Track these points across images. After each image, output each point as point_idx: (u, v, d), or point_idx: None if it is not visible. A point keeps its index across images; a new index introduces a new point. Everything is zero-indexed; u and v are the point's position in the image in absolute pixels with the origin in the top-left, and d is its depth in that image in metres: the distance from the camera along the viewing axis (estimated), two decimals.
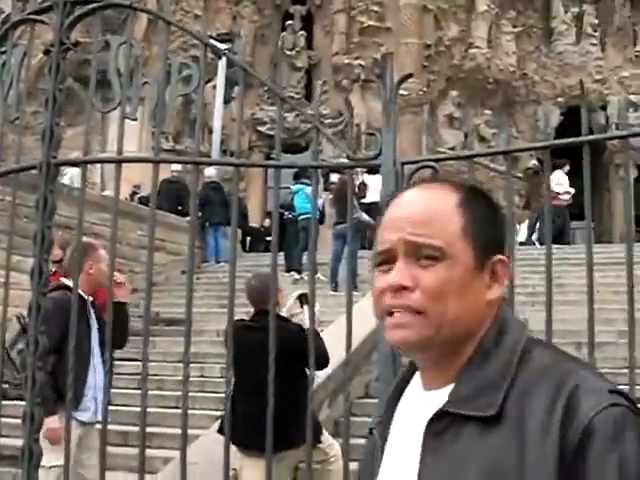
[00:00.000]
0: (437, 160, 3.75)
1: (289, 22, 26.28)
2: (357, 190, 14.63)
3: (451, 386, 1.43)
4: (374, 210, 15.85)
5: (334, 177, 15.73)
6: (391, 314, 1.43)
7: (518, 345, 1.42)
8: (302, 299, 6.27)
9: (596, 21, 27.62)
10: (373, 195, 16.70)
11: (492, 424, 1.34)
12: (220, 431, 5.73)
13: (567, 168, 19.89)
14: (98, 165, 17.68)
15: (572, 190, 19.75)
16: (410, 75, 3.97)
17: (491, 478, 1.31)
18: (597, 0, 28.06)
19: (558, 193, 18.12)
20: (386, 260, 1.46)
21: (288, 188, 15.67)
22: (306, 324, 5.90)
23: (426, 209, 1.46)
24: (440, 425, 1.39)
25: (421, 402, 1.47)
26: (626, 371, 9.16)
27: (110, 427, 3.81)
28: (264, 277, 5.85)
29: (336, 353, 5.83)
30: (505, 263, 1.48)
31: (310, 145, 23.81)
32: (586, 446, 1.26)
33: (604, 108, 25.79)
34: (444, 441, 1.38)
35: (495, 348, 1.43)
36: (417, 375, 1.54)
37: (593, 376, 1.38)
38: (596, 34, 27.50)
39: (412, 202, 1.48)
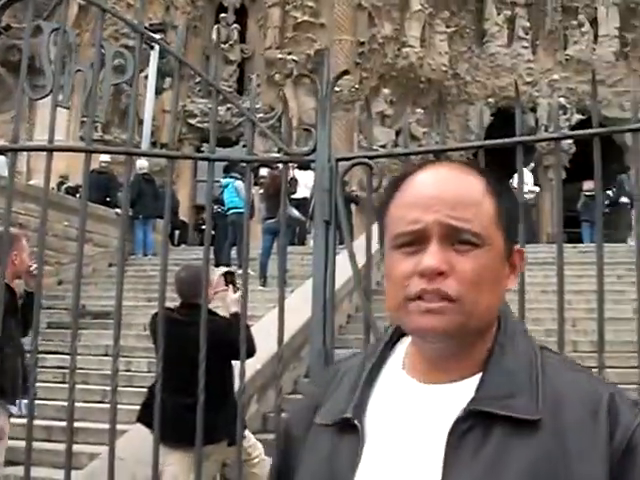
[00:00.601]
0: (371, 157, 3.75)
1: (223, 15, 26.11)
2: (288, 185, 14.59)
3: (470, 380, 1.37)
4: (304, 206, 15.86)
5: (264, 171, 15.67)
6: (419, 299, 1.34)
7: (534, 342, 1.43)
8: (227, 277, 6.20)
9: (528, 24, 28.10)
10: (303, 191, 16.70)
11: (528, 427, 1.30)
12: (139, 419, 5.67)
13: (532, 166, 20.17)
14: (25, 153, 17.37)
15: (537, 189, 20.02)
16: (346, 72, 3.97)
17: None
18: (529, 4, 28.53)
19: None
20: (413, 241, 1.36)
21: (218, 182, 15.56)
22: (228, 303, 5.89)
23: (461, 191, 1.38)
24: (466, 424, 1.31)
25: (427, 396, 1.39)
26: None
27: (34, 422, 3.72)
28: (194, 270, 5.79)
29: (266, 348, 5.81)
30: (522, 254, 1.45)
31: (240, 139, 23.76)
32: (634, 455, 1.28)
33: (534, 110, 26.22)
34: (470, 441, 1.30)
35: (511, 341, 1.40)
36: (396, 363, 1.47)
37: (615, 385, 1.39)
38: (528, 37, 27.98)
39: (444, 182, 1.39)
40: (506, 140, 3.60)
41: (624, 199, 19.06)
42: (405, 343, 1.48)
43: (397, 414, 1.39)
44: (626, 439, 1.29)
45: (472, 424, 1.31)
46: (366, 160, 3.61)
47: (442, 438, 1.32)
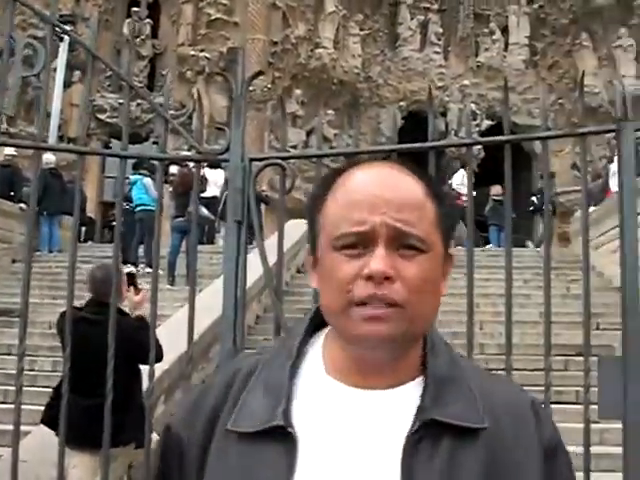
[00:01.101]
0: (285, 158, 3.74)
1: (135, 9, 25.76)
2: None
3: (408, 386, 1.37)
4: (214, 205, 15.79)
5: (173, 169, 15.53)
6: (363, 304, 1.30)
7: (451, 349, 1.45)
8: (129, 278, 6.10)
9: (440, 30, 28.55)
10: (213, 189, 16.63)
11: (473, 435, 1.32)
12: (43, 421, 5.55)
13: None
14: None
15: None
16: (261, 73, 3.96)
17: None
18: (442, 10, 28.97)
19: (460, 193, 18.57)
20: (357, 243, 1.32)
21: (127, 178, 15.37)
22: (130, 305, 5.80)
23: (406, 193, 1.35)
24: (418, 433, 1.31)
25: (366, 402, 1.35)
26: None
27: None
28: (109, 268, 5.68)
29: (173, 348, 5.75)
30: (453, 259, 1.44)
31: (151, 135, 23.50)
32: (557, 454, 1.39)
33: (444, 114, 26.60)
34: (423, 450, 1.30)
35: (438, 349, 1.42)
36: (316, 364, 1.42)
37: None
38: (440, 42, 28.41)
39: (389, 182, 1.36)
40: (419, 145, 3.64)
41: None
42: (320, 340, 1.45)
43: (332, 421, 1.34)
44: (551, 441, 1.38)
45: (423, 433, 1.31)
46: (279, 161, 3.61)
47: (394, 447, 1.30)
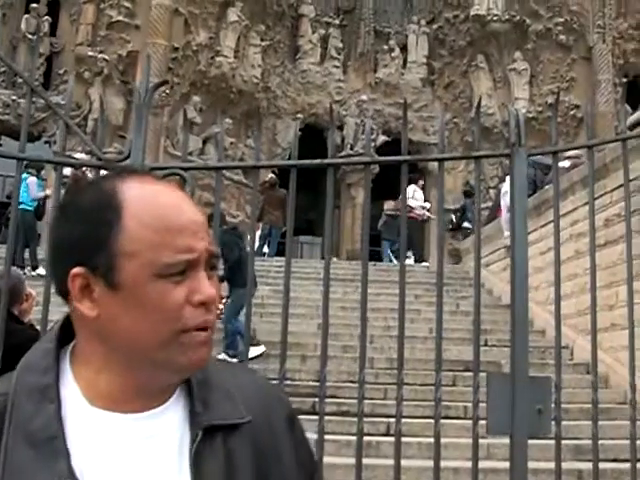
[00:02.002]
0: (186, 169, 3.74)
1: (34, 5, 25.17)
2: None
3: (171, 402, 1.36)
4: None
5: (67, 171, 15.21)
6: (193, 331, 1.30)
7: None
8: None
9: (341, 45, 28.86)
10: None
11: (240, 429, 1.37)
12: None
13: (422, 183, 20.47)
14: None
15: (427, 205, 20.30)
16: (165, 82, 3.93)
17: (259, 475, 1.37)
18: (343, 25, 29.26)
19: (412, 207, 18.63)
20: (183, 270, 1.29)
21: (13, 177, 14.98)
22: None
23: (202, 216, 1.36)
24: (202, 441, 1.33)
25: (146, 425, 1.33)
26: (350, 384, 9.53)
27: None
28: (16, 275, 5.44)
29: None
30: None
31: (43, 135, 22.99)
32: (294, 419, 1.50)
33: (341, 128, 26.82)
34: (208, 455, 1.33)
35: None
36: (75, 398, 1.32)
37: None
38: (340, 57, 28.71)
39: (189, 204, 1.35)
40: (319, 161, 3.69)
41: (466, 224, 19.81)
42: (64, 366, 1.36)
43: (117, 457, 1.29)
44: (290, 415, 1.50)
45: (204, 439, 1.33)
46: (180, 171, 3.61)
47: (182, 459, 1.32)
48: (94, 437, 1.28)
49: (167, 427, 1.33)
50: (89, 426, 1.29)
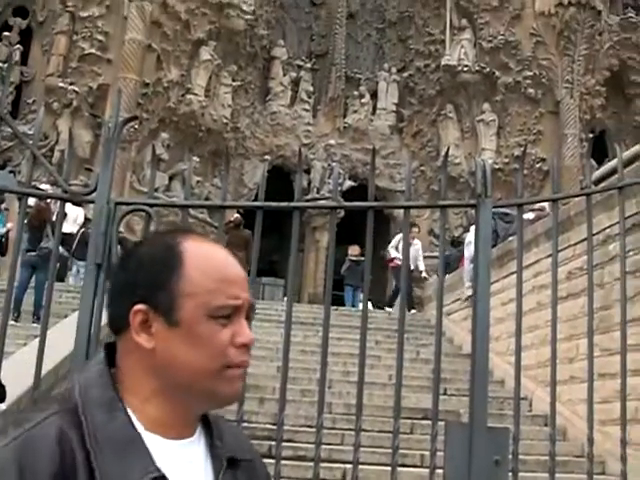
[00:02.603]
0: (151, 205, 3.72)
1: (6, 33, 25.12)
2: (54, 219, 14.15)
3: (199, 432, 1.58)
4: (68, 241, 15.41)
5: (30, 200, 15.11)
6: (235, 367, 1.51)
7: None
8: None
9: (311, 88, 29.08)
10: (70, 226, 16.23)
11: (242, 465, 1.60)
12: None
13: (416, 230, 20.28)
14: None
15: (421, 266, 20.00)
16: (135, 117, 3.93)
17: None
18: (315, 69, 29.49)
19: (393, 258, 18.55)
20: (229, 314, 1.51)
21: None
22: None
23: (243, 271, 1.59)
24: (226, 472, 1.55)
25: (187, 450, 1.53)
26: (307, 429, 9.44)
27: None
28: None
29: (13, 386, 5.56)
30: None
31: (8, 164, 22.82)
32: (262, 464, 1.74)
33: (308, 172, 26.93)
34: None
35: None
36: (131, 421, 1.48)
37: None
38: (310, 101, 28.91)
39: (235, 262, 1.58)
40: (285, 204, 3.69)
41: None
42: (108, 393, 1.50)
43: (176, 473, 1.47)
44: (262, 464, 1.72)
45: (226, 470, 1.56)
46: (146, 208, 3.59)
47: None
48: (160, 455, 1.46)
49: (200, 455, 1.55)
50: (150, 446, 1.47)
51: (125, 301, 1.52)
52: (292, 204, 3.62)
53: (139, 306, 1.49)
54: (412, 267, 18.19)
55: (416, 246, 18.62)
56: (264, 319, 14.00)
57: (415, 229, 18.96)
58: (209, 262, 1.54)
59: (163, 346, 1.49)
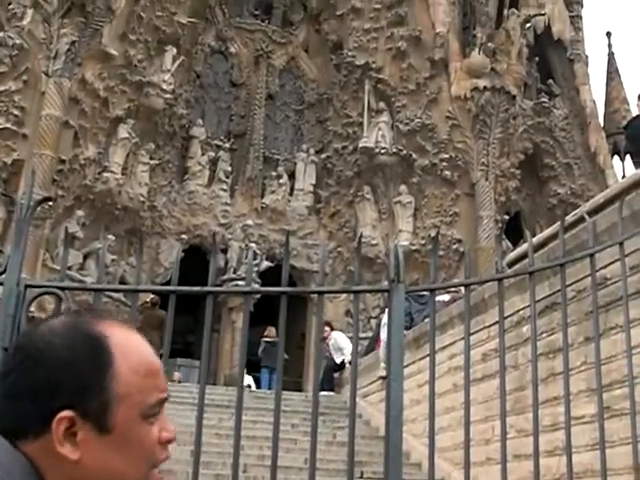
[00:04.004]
0: (63, 288, 3.65)
1: None
2: None
3: None
4: None
5: None
6: (158, 465, 1.39)
7: None
8: None
9: (230, 168, 29.17)
10: None
11: None
12: None
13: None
14: None
15: (347, 357, 19.28)
16: (49, 199, 3.89)
17: None
18: (233, 149, 29.66)
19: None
20: (159, 410, 1.39)
21: None
22: None
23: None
24: None
25: None
26: None
27: None
28: None
29: None
30: None
31: None
32: None
33: (225, 251, 26.87)
34: None
35: None
36: None
37: None
38: (228, 180, 28.99)
39: (152, 349, 1.44)
40: (199, 288, 3.67)
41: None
42: None
43: None
44: None
45: None
46: (57, 291, 3.53)
47: None
48: None
49: None
50: None
51: (41, 404, 1.31)
52: (205, 288, 3.60)
53: (65, 413, 1.29)
54: (337, 360, 18.01)
55: (331, 341, 18.46)
56: (177, 401, 13.74)
57: (327, 327, 18.67)
58: (137, 356, 1.39)
59: (91, 456, 1.30)
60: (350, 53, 29.90)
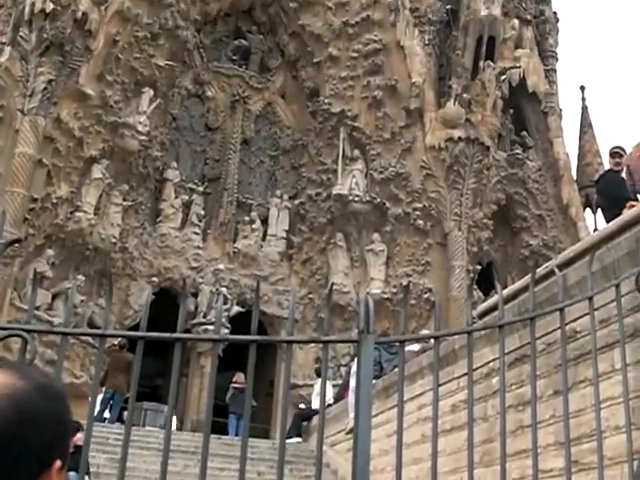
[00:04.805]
0: (29, 331, 3.58)
1: None
2: None
3: None
4: None
5: None
6: None
7: None
8: None
9: (202, 212, 29.11)
10: None
11: None
12: None
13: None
14: None
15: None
16: (19, 240, 3.84)
17: None
18: (207, 193, 29.64)
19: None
20: None
21: None
22: None
23: None
24: None
25: None
26: None
27: None
28: None
29: None
30: None
31: None
32: None
33: (196, 295, 26.75)
34: None
35: None
36: None
37: None
38: (200, 224, 28.92)
39: None
40: (168, 335, 3.63)
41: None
42: None
43: None
44: None
45: None
46: (23, 333, 3.46)
47: None
48: None
49: None
50: None
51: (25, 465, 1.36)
52: (174, 335, 3.55)
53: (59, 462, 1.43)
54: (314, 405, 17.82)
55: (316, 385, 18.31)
56: (143, 447, 13.60)
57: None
58: None
59: None
60: (326, 100, 30.13)
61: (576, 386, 6.56)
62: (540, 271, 7.41)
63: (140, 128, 26.98)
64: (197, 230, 28.79)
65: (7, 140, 24.25)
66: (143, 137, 27.14)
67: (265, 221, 29.83)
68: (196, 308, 26.57)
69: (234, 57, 32.33)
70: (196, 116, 31.20)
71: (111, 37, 26.34)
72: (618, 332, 4.96)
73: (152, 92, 27.79)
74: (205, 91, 31.27)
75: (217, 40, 32.46)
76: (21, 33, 24.87)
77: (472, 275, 27.84)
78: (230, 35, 32.76)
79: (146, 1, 27.44)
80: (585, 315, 5.43)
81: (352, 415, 13.07)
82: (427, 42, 30.28)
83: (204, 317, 26.28)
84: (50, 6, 24.67)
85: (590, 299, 4.72)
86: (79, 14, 25.15)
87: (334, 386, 19.23)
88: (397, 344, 4.58)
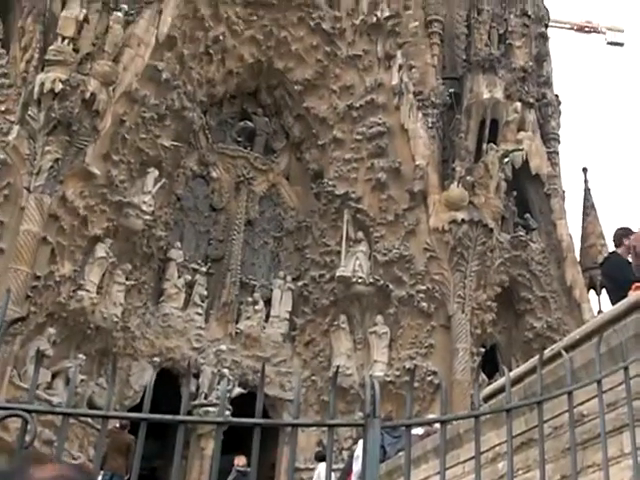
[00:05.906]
0: (30, 411, 3.54)
1: None
2: None
3: None
4: None
5: None
6: None
7: None
8: None
9: (205, 292, 29.02)
10: None
11: None
12: None
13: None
14: None
15: None
16: (23, 319, 3.81)
17: None
18: (210, 273, 29.60)
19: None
20: None
21: None
22: None
23: None
24: None
25: None
26: None
27: None
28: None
29: None
30: None
31: None
32: None
33: (197, 376, 26.51)
34: None
35: None
36: None
37: None
38: (203, 304, 28.81)
39: None
40: (171, 417, 3.58)
41: None
42: None
43: None
44: None
45: None
46: (24, 414, 3.41)
47: None
48: None
49: None
50: None
51: None
52: (177, 418, 3.51)
53: None
54: None
55: (316, 471, 17.94)
56: None
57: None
58: None
59: None
60: (330, 182, 30.29)
61: (584, 471, 6.44)
62: (546, 353, 7.35)
63: (145, 208, 27.09)
64: (200, 310, 28.67)
65: (12, 217, 24.32)
66: (147, 217, 27.23)
67: (268, 302, 29.72)
68: (197, 389, 26.31)
69: (239, 138, 32.62)
70: (200, 197, 31.34)
71: (118, 117, 26.62)
72: (626, 415, 4.89)
73: (157, 172, 27.97)
74: (210, 172, 31.44)
75: (223, 121, 32.77)
76: (30, 112, 25.15)
77: (476, 358, 27.61)
78: (236, 117, 33.08)
79: (153, 82, 27.79)
80: (593, 398, 5.36)
81: None
82: (431, 125, 30.53)
83: (205, 398, 26.01)
84: (59, 86, 25.00)
85: (598, 382, 4.67)
86: (87, 94, 25.45)
87: (334, 470, 18.74)
88: (402, 428, 4.51)
